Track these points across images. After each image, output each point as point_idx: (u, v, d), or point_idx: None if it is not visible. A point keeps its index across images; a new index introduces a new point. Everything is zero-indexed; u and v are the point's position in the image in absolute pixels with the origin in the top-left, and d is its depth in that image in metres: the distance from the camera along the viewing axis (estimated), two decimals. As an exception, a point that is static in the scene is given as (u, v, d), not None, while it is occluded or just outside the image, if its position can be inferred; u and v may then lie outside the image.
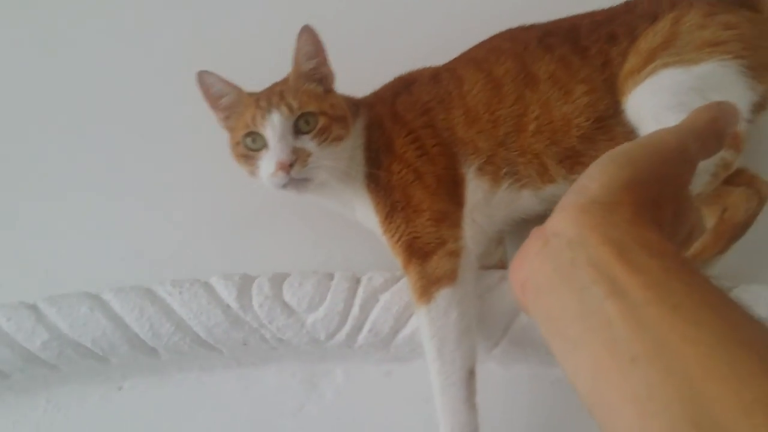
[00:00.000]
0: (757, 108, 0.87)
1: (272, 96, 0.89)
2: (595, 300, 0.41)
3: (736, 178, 0.91)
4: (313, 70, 0.91)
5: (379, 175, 0.91)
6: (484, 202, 0.92)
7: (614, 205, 0.47)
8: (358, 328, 0.92)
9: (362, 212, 0.95)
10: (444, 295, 0.84)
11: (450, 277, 0.85)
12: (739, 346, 0.36)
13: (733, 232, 0.90)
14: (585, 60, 0.92)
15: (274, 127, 0.87)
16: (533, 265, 0.48)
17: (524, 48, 0.95)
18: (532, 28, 0.99)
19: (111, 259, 1.10)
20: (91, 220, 1.14)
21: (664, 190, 0.51)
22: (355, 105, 0.97)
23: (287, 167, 0.85)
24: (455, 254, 0.86)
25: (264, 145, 0.88)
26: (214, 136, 0.98)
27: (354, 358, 0.97)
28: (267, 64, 0.95)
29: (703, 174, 0.81)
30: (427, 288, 0.85)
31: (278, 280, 0.95)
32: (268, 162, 0.87)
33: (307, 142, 0.87)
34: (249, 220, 1.10)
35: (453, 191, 0.90)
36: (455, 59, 1.01)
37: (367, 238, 1.00)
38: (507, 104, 0.91)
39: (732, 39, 0.84)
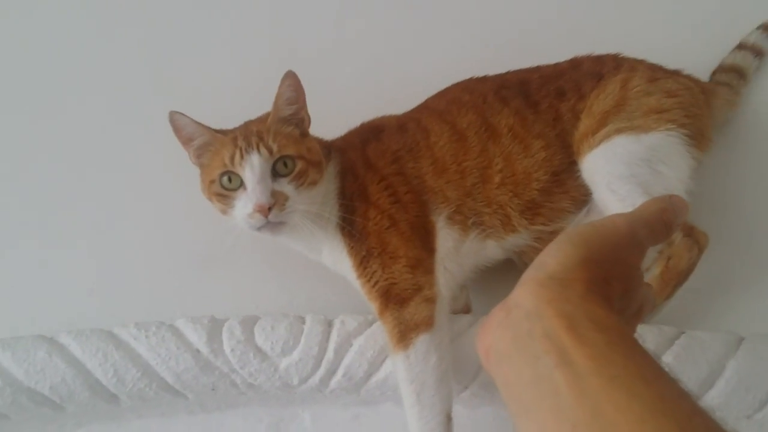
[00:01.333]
0: (696, 173, 0.96)
1: (250, 136, 0.89)
2: (546, 369, 0.46)
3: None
4: (292, 115, 0.93)
5: (354, 221, 0.92)
6: (454, 251, 0.95)
7: (569, 281, 0.53)
8: (331, 372, 0.92)
9: (332, 256, 0.96)
10: (423, 341, 0.86)
11: (428, 323, 0.87)
12: (664, 415, 0.41)
13: (678, 279, 0.97)
14: (537, 115, 0.98)
15: (253, 168, 0.87)
16: (496, 333, 0.53)
17: (483, 101, 1.00)
18: (486, 79, 1.05)
19: (63, 299, 1.06)
20: (42, 257, 1.10)
21: (615, 270, 0.56)
22: (327, 148, 0.99)
23: (266, 210, 0.86)
24: (431, 300, 0.89)
25: (241, 185, 0.88)
26: (176, 172, 0.98)
27: (322, 402, 0.97)
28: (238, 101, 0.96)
29: (651, 253, 0.89)
30: (405, 334, 0.86)
31: (249, 324, 0.95)
32: (245, 203, 0.87)
33: (285, 186, 0.88)
34: (207, 260, 1.10)
35: (425, 238, 0.93)
36: (416, 109, 1.06)
37: (331, 280, 1.02)
38: (472, 156, 0.96)
39: (674, 107, 0.94)
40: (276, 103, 0.91)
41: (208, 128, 0.92)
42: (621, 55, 1.04)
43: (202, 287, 1.08)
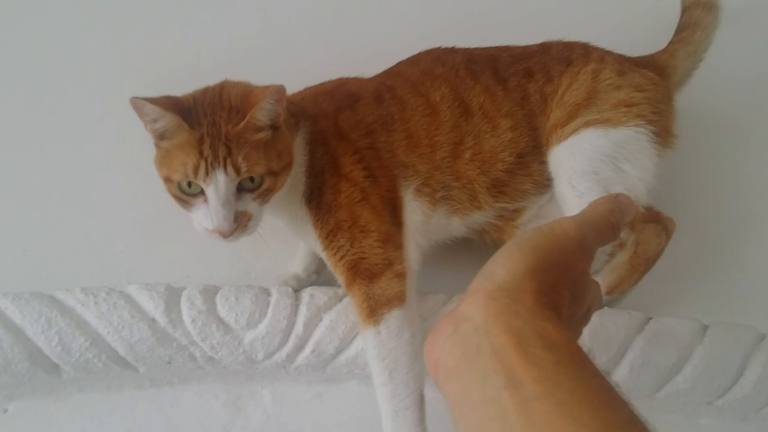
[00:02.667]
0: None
1: (218, 145, 0.78)
2: (494, 390, 0.46)
3: (646, 216, 0.99)
4: (267, 123, 0.82)
5: (324, 193, 0.87)
6: (423, 225, 0.92)
7: (518, 293, 0.52)
8: (299, 347, 0.87)
9: (295, 226, 0.91)
10: (395, 316, 0.82)
11: (400, 298, 0.83)
12: None
13: (646, 265, 0.99)
14: (506, 92, 0.96)
15: (217, 188, 0.77)
16: (444, 347, 0.52)
17: (455, 74, 0.97)
18: (455, 51, 1.02)
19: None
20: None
21: (564, 277, 0.57)
22: (295, 117, 0.91)
23: (227, 234, 0.79)
24: (402, 275, 0.85)
25: (201, 194, 0.79)
26: (124, 125, 0.85)
27: (283, 379, 0.92)
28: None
29: (601, 255, 0.89)
30: (375, 309, 0.83)
31: (210, 293, 0.88)
32: (205, 218, 0.79)
33: (250, 203, 0.81)
34: (153, 222, 1.01)
35: (394, 213, 0.90)
36: (388, 76, 1.00)
37: (291, 250, 0.97)
38: (444, 131, 0.93)
39: (642, 102, 0.93)
40: (253, 115, 0.79)
41: (171, 114, 0.78)
42: (589, 44, 1.03)
43: (149, 252, 1.01)
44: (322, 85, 0.98)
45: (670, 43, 1.06)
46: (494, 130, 0.94)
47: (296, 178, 0.88)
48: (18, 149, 1.05)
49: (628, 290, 0.99)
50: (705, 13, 1.05)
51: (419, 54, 1.02)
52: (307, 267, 0.98)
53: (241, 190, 0.80)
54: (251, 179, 0.80)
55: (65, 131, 1.05)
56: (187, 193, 0.80)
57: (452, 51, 1.02)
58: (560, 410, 0.43)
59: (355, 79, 1.00)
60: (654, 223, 1.00)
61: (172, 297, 0.86)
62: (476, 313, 0.51)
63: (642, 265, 0.98)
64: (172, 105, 0.79)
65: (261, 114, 0.79)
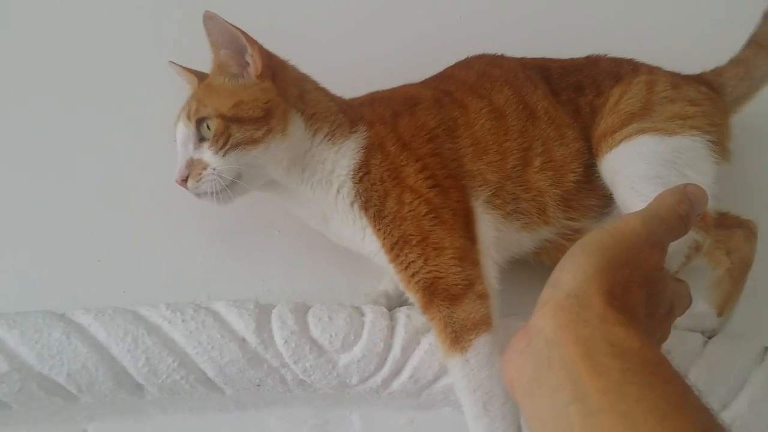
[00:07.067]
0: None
1: (188, 99, 0.85)
2: (562, 404, 0.45)
3: (723, 222, 0.95)
4: (230, 60, 0.83)
5: (386, 204, 0.81)
6: (497, 240, 0.85)
7: (587, 298, 0.51)
8: (395, 372, 0.82)
9: (343, 231, 0.85)
10: (484, 343, 0.76)
11: (486, 322, 0.77)
12: None
13: (745, 273, 0.94)
14: (560, 105, 0.92)
15: (179, 135, 0.83)
16: (518, 364, 0.51)
17: (515, 77, 0.92)
18: (504, 57, 0.97)
19: (68, 269, 0.92)
20: (46, 225, 0.95)
21: (635, 274, 0.54)
22: (353, 119, 0.86)
23: (182, 182, 0.80)
24: (485, 296, 0.79)
25: None
26: None
27: (374, 404, 0.87)
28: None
29: (677, 255, 0.83)
30: (461, 335, 0.76)
31: (301, 312, 0.83)
32: None
33: (206, 152, 0.80)
34: (231, 237, 0.97)
35: (467, 226, 0.83)
36: (440, 80, 0.95)
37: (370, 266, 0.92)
38: (513, 136, 0.87)
39: (697, 115, 0.88)
40: (212, 52, 0.84)
41: (194, 77, 0.89)
42: (636, 60, 0.98)
43: (228, 264, 0.96)
44: (379, 91, 0.93)
45: (727, 63, 0.99)
46: (562, 138, 0.89)
47: (339, 180, 0.83)
48: (93, 154, 1.01)
49: (736, 305, 0.94)
50: None
51: (468, 59, 0.97)
52: (397, 285, 0.93)
53: (202, 139, 0.81)
54: (208, 127, 0.80)
55: (143, 136, 1.01)
56: None
57: (502, 56, 0.97)
58: (624, 422, 0.42)
59: (411, 84, 0.95)
60: (739, 228, 0.95)
61: (262, 315, 0.81)
62: (547, 325, 0.50)
63: (743, 273, 0.94)
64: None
65: (214, 48, 0.82)
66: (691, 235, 0.81)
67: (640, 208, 0.81)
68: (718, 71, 0.98)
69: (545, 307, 0.52)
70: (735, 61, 0.98)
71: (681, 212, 0.60)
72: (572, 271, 0.53)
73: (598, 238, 0.56)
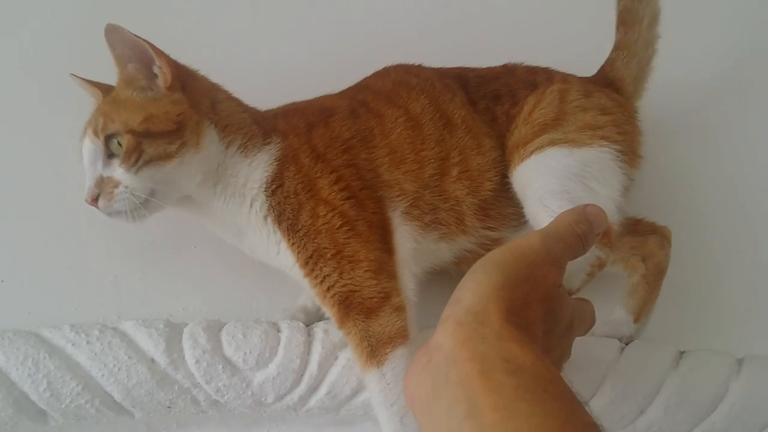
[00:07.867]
0: (628, 189, 0.91)
1: (93, 113, 0.81)
2: (456, 420, 0.46)
3: (638, 229, 0.97)
4: (138, 74, 0.80)
5: (299, 217, 0.80)
6: (415, 252, 0.85)
7: (485, 315, 0.52)
8: (313, 388, 0.80)
9: (259, 245, 0.83)
10: (401, 356, 0.75)
11: (402, 335, 0.76)
12: None
13: (660, 278, 0.96)
14: (478, 114, 0.92)
15: (85, 152, 0.79)
16: (418, 381, 0.53)
17: (431, 86, 0.92)
18: (422, 67, 0.97)
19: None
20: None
21: (534, 292, 0.56)
22: (267, 131, 0.85)
23: (93, 202, 0.77)
24: (401, 309, 0.78)
25: None
26: None
27: (292, 422, 0.85)
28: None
29: (579, 273, 0.83)
30: (376, 349, 0.75)
31: (214, 330, 0.80)
32: None
33: (116, 169, 0.77)
34: (145, 251, 0.94)
35: (383, 238, 0.82)
36: (356, 90, 0.94)
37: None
38: (430, 145, 0.87)
39: (608, 124, 0.89)
40: (121, 72, 0.80)
41: (97, 90, 0.84)
42: (551, 68, 0.99)
43: (141, 282, 0.92)
44: (294, 102, 0.92)
45: (611, 54, 1.00)
46: (479, 147, 0.89)
47: (252, 193, 0.81)
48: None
49: (652, 310, 0.95)
50: (637, 3, 0.97)
51: (385, 68, 0.97)
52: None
53: (111, 156, 0.77)
54: (119, 143, 0.76)
55: (48, 150, 0.97)
56: None
57: (419, 66, 0.97)
58: None
59: (328, 95, 0.93)
60: (653, 235, 0.97)
61: (172, 334, 0.79)
62: (446, 342, 0.51)
63: (658, 279, 0.96)
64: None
65: (119, 62, 0.79)
66: (594, 252, 0.81)
67: (548, 222, 0.83)
68: (609, 65, 0.99)
69: (446, 323, 0.53)
70: (616, 49, 0.99)
71: (579, 232, 0.62)
72: (472, 289, 0.55)
73: (498, 255, 0.58)
